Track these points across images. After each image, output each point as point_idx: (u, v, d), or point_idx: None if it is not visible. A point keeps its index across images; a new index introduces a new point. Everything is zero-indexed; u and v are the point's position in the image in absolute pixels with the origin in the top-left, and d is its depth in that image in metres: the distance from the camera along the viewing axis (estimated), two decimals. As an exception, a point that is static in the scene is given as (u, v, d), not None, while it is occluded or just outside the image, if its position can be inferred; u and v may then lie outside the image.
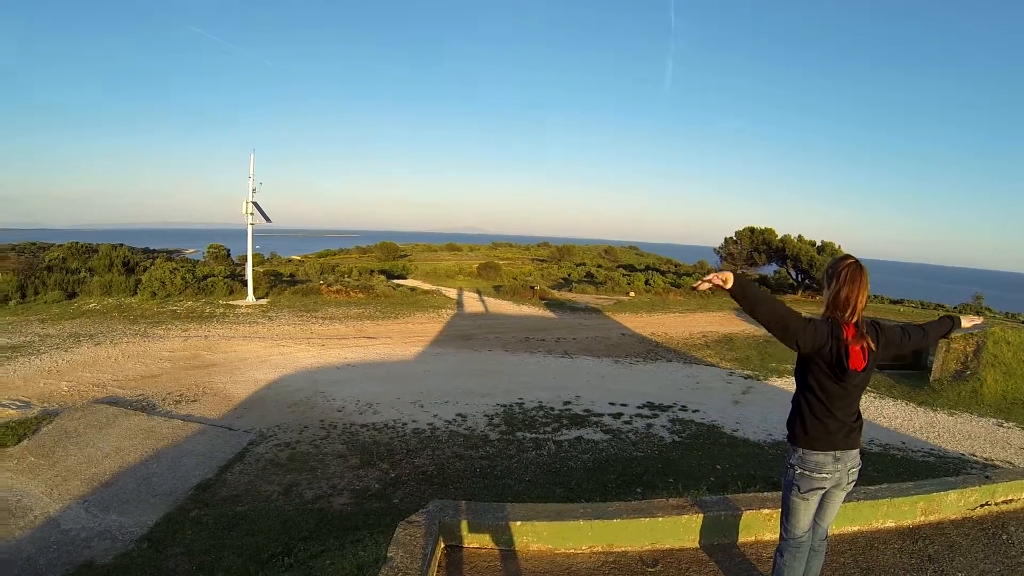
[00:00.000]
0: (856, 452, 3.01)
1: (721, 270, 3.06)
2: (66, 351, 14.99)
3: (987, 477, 4.98)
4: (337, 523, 7.16)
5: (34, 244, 53.14)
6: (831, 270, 2.92)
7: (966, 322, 3.48)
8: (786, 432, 3.12)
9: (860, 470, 3.07)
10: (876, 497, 4.43)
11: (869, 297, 2.89)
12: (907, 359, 16.93)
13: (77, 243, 38.48)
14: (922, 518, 4.51)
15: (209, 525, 7.07)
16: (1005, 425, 12.48)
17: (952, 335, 3.28)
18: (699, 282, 2.85)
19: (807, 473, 2.98)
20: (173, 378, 13.20)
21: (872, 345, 2.87)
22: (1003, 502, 4.77)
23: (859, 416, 3.01)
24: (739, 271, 39.07)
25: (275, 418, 10.86)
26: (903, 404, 13.62)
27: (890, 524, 4.41)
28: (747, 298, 2.77)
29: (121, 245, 37.98)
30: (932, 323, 3.30)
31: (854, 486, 3.13)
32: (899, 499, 4.43)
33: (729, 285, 2.73)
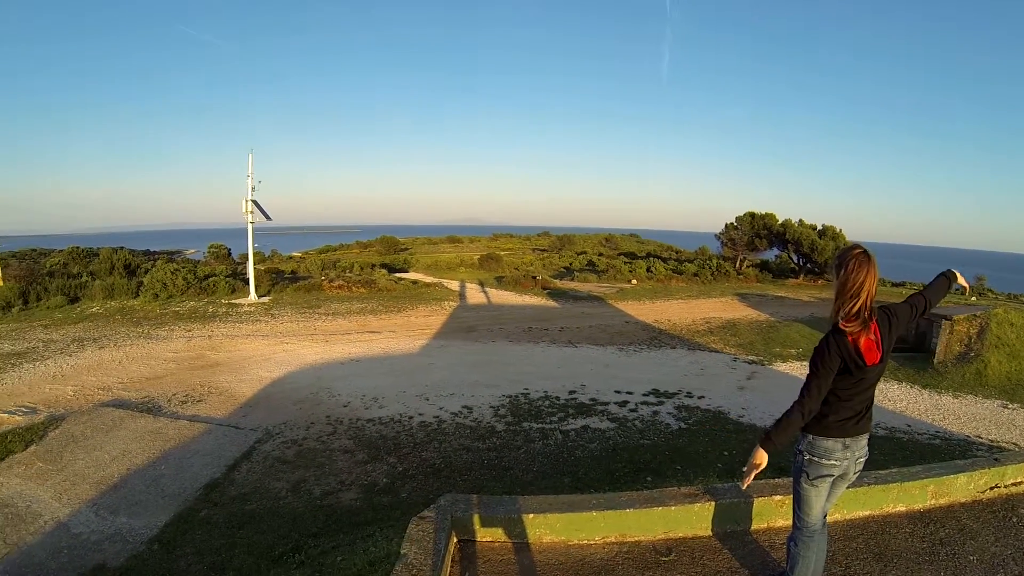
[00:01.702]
0: (865, 439, 3.04)
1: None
2: (70, 356, 14.99)
3: (996, 459, 4.91)
4: (346, 519, 7.17)
5: (35, 250, 53.04)
6: (839, 260, 2.89)
7: (961, 279, 3.43)
8: None
9: (866, 460, 3.09)
10: (886, 481, 4.38)
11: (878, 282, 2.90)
12: (910, 340, 16.92)
13: (78, 248, 38.46)
14: (932, 502, 4.46)
15: (219, 524, 7.09)
16: (1010, 406, 12.46)
17: (953, 291, 3.28)
18: (744, 479, 3.09)
19: (816, 459, 2.99)
20: (178, 379, 13.20)
21: (879, 335, 2.86)
22: (1012, 484, 4.70)
23: (870, 404, 3.03)
24: (740, 256, 38.94)
25: (281, 415, 10.86)
26: (908, 387, 13.63)
27: (901, 508, 4.37)
28: (784, 439, 2.95)
29: (121, 248, 37.91)
30: (930, 286, 3.29)
31: (863, 470, 3.14)
32: (909, 483, 4.39)
33: (764, 461, 2.97)
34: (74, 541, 6.70)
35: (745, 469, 3.02)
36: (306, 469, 8.65)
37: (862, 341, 2.80)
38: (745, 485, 3.11)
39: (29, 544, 6.64)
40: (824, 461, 2.98)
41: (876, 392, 3.07)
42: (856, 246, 2.88)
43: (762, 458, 2.95)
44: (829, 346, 2.85)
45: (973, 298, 29.71)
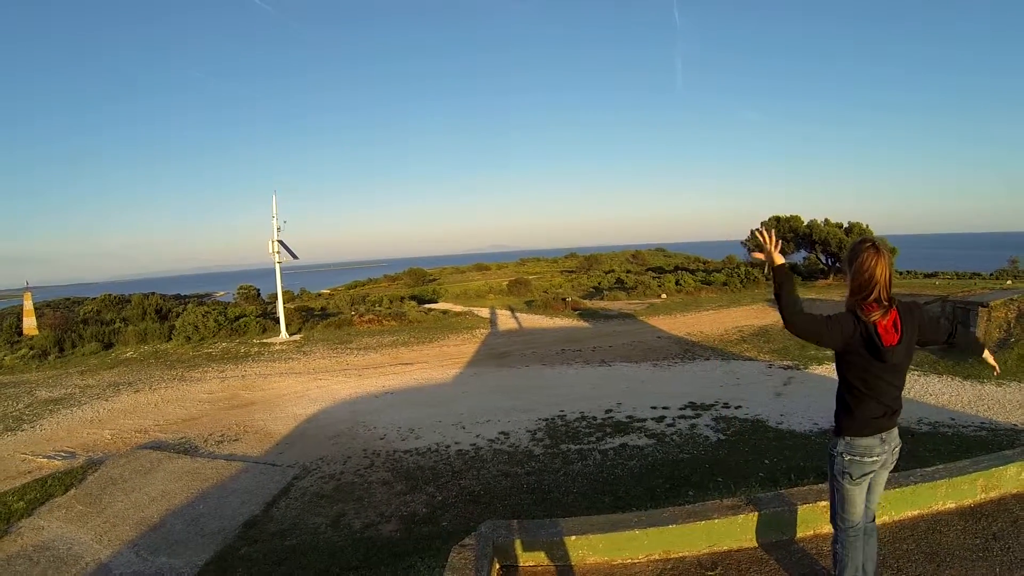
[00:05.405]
0: (896, 430, 3.08)
1: (760, 247, 3.12)
2: (107, 400, 15.18)
3: (1046, 446, 4.79)
4: (387, 550, 7.03)
5: (68, 299, 54.26)
6: (850, 255, 3.00)
7: (987, 355, 3.80)
8: (833, 423, 3.18)
9: (900, 448, 3.14)
10: (934, 479, 4.31)
11: (898, 273, 2.86)
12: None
13: (110, 295, 39.23)
14: (982, 496, 4.38)
15: (259, 561, 6.99)
16: (1056, 390, 11.98)
17: (959, 342, 3.66)
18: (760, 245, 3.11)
19: (857, 459, 3.02)
20: (213, 419, 13.26)
21: (900, 321, 2.89)
22: (1065, 471, 4.57)
23: (899, 402, 3.06)
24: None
25: (317, 451, 10.80)
26: (948, 379, 13.13)
27: (950, 505, 4.29)
28: (780, 284, 3.00)
29: (153, 293, 38.66)
30: (963, 334, 3.45)
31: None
32: (957, 478, 4.32)
33: (778, 261, 3.04)
34: (116, 584, 6.66)
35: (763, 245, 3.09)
36: (345, 503, 8.55)
37: (879, 323, 2.85)
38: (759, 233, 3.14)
39: (71, 589, 6.61)
40: (866, 459, 3.01)
41: (916, 387, 3.07)
42: (866, 239, 2.99)
43: (773, 258, 3.05)
44: (847, 315, 2.95)
45: (1009, 281, 28.79)
